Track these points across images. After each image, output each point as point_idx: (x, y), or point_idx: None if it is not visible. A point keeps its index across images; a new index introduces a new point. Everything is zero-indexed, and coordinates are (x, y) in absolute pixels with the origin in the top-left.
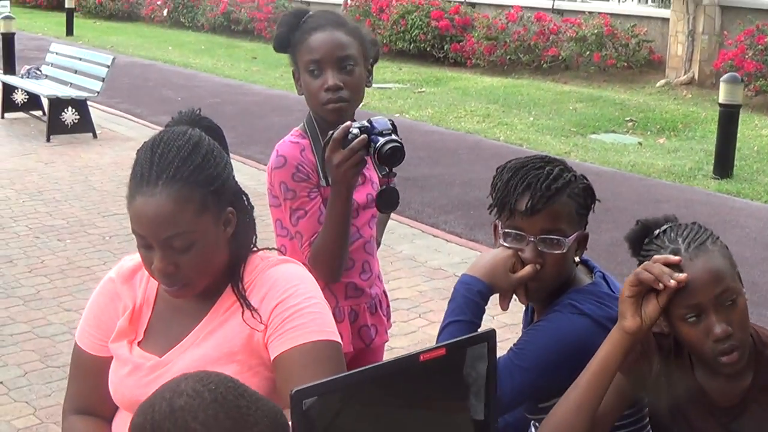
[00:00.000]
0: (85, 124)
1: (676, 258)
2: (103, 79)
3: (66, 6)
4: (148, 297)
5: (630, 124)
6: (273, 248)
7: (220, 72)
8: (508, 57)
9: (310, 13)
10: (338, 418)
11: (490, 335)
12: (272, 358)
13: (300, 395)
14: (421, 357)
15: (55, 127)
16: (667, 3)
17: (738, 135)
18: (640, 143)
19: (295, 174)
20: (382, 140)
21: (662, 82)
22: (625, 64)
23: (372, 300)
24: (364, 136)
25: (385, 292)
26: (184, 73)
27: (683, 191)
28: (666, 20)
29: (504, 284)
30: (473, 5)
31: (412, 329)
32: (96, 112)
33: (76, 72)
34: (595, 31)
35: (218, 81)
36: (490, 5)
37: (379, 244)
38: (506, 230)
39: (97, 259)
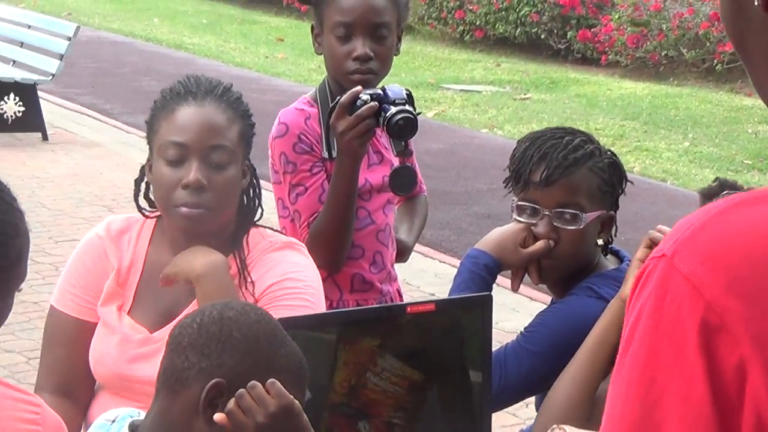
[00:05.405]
0: (32, 120)
1: None
2: (61, 57)
3: None
4: (136, 260)
5: None
6: (276, 229)
7: (228, 58)
8: (663, 52)
9: None
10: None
11: (485, 299)
12: None
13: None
14: (408, 309)
15: None
16: None
17: None
18: None
19: (296, 144)
20: (393, 109)
21: None
22: None
23: (382, 298)
24: (374, 103)
25: (399, 292)
26: (176, 57)
27: None
28: None
29: (513, 259)
30: None
31: None
32: (47, 105)
33: (22, 45)
34: None
35: (225, 71)
36: None
37: (410, 250)
38: (520, 203)
39: (47, 293)
